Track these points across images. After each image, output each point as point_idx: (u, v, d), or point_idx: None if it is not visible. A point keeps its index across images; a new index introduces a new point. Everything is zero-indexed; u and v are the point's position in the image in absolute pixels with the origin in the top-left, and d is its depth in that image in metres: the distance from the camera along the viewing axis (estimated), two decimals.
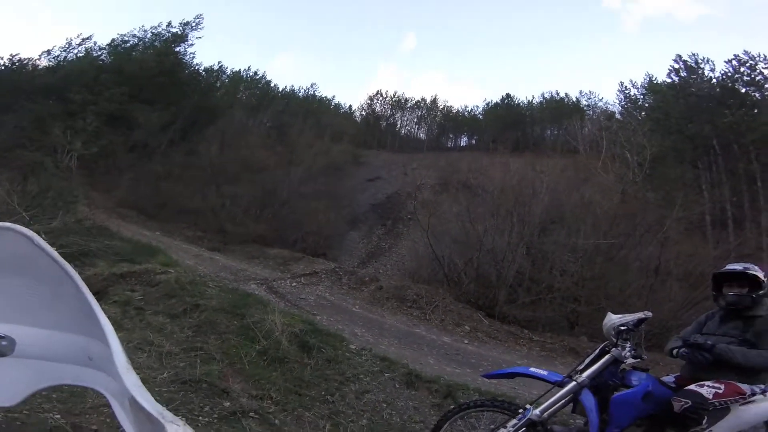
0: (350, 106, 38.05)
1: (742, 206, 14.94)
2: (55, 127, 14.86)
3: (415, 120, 37.91)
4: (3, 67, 20.11)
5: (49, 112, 16.76)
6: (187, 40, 24.05)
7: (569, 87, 71.77)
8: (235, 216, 15.07)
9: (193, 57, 25.36)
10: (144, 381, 3.57)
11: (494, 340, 7.40)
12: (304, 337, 5.34)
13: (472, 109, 37.78)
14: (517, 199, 12.00)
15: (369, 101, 37.58)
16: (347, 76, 66.85)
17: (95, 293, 4.88)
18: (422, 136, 37.43)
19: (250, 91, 31.57)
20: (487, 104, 36.38)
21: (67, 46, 22.07)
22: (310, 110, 31.37)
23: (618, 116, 23.73)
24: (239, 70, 31.42)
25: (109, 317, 4.18)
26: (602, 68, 62.76)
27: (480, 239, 11.13)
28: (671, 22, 60.29)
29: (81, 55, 22.14)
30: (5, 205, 7.05)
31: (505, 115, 33.27)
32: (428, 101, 37.54)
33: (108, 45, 22.90)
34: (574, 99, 31.49)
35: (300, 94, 34.66)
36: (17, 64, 20.57)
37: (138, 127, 18.76)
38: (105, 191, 15.26)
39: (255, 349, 4.70)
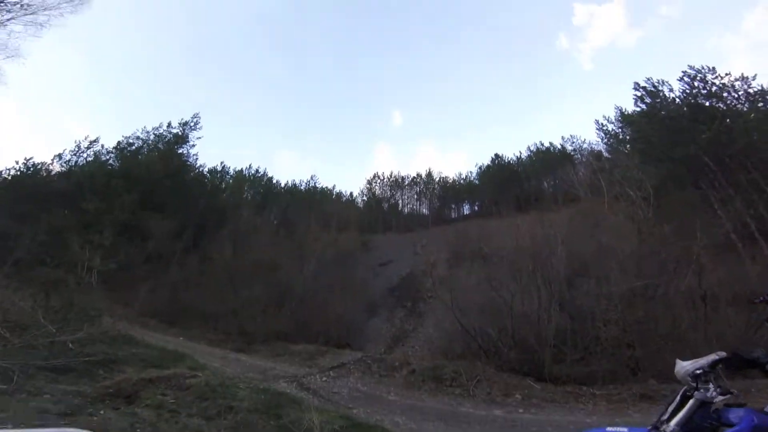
0: (351, 193, 39.39)
1: (762, 216, 14.32)
2: (74, 241, 15.29)
3: (415, 196, 38.90)
4: (18, 173, 21.11)
5: (65, 223, 17.29)
6: (188, 141, 25.24)
7: (552, 135, 75.09)
8: (255, 316, 14.87)
9: (196, 158, 26.50)
10: None
11: (552, 404, 6.67)
12: None
13: (466, 176, 38.84)
14: (535, 259, 11.88)
15: (368, 185, 39.04)
16: (344, 163, 71.32)
17: (126, 397, 4.61)
18: (425, 211, 38.07)
19: (255, 189, 32.59)
20: (480, 168, 37.45)
21: (76, 149, 23.36)
22: (314, 202, 32.33)
23: (606, 154, 23.94)
24: (242, 169, 32.78)
25: (143, 420, 3.89)
26: (576, 109, 66.40)
27: (508, 305, 10.77)
28: (617, 51, 65.24)
29: (90, 159, 23.31)
30: (32, 320, 7.13)
31: (499, 175, 33.92)
32: (424, 176, 38.94)
33: (115, 148, 24.11)
34: (559, 146, 31.97)
35: (302, 188, 35.92)
36: (32, 169, 21.58)
37: (151, 237, 19.18)
38: (125, 302, 15.30)
39: None
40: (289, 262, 20.56)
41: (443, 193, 38.25)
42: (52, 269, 13.73)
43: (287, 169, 76.92)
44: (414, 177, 38.95)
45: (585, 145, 28.99)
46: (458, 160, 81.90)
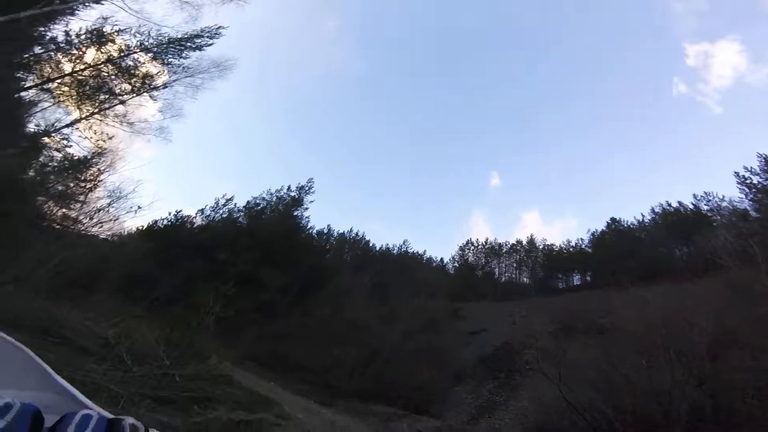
0: (441, 259, 38.12)
1: None
2: (202, 287, 17.39)
3: (514, 265, 36.16)
4: (170, 223, 24.75)
5: (198, 270, 19.87)
6: (302, 204, 27.48)
7: (681, 194, 62.29)
8: (342, 372, 14.91)
9: (308, 220, 28.56)
10: None
11: None
12: None
13: (576, 244, 34.71)
14: (668, 334, 9.98)
15: (460, 252, 37.59)
16: (436, 228, 68.94)
17: None
18: (525, 280, 34.96)
19: (353, 252, 33.92)
20: (593, 234, 33.17)
21: (215, 206, 26.86)
22: (405, 266, 32.17)
23: (753, 213, 19.98)
24: (344, 232, 34.26)
25: None
26: (707, 162, 54.42)
27: (632, 382, 9.04)
28: (747, 87, 53.30)
29: (225, 215, 26.61)
30: (153, 352, 8.01)
31: (617, 242, 29.69)
32: (525, 243, 36.28)
33: (244, 207, 27.27)
34: (691, 206, 27.01)
35: (395, 252, 36.02)
36: (180, 221, 25.22)
37: (264, 289, 20.87)
38: (233, 346, 16.52)
39: None
40: (379, 324, 20.48)
41: (547, 262, 34.92)
42: (180, 309, 15.82)
43: (381, 233, 77.91)
44: (513, 244, 36.76)
45: (724, 203, 23.89)
46: (566, 228, 73.15)
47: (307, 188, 28.10)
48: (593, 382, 10.39)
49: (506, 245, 36.82)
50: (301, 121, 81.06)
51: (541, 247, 35.82)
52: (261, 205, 27.98)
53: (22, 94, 13.05)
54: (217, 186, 73.68)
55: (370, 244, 35.43)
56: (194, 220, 26.32)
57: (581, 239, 35.16)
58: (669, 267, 22.62)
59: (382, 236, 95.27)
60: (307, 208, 28.01)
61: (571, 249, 34.66)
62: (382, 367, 16.20)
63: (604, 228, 32.25)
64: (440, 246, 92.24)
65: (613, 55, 67.99)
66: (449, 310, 25.50)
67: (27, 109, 13.19)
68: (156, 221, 25.04)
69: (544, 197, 66.11)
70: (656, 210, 29.57)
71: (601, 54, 67.96)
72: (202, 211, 26.95)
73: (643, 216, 30.57)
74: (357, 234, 34.77)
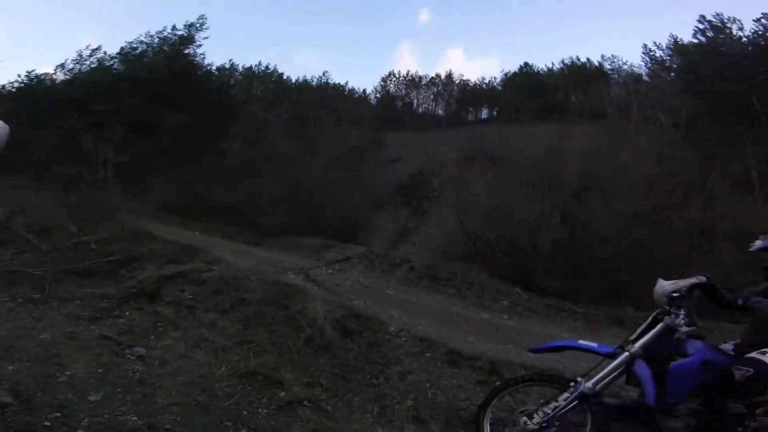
0: (364, 90, 37.58)
1: None
2: (86, 140, 15.49)
3: (432, 97, 36.94)
4: (23, 85, 20.83)
5: (75, 125, 17.40)
6: (194, 42, 24.07)
7: (591, 52, 66.95)
8: (266, 209, 15.46)
9: (204, 58, 25.30)
10: (205, 377, 3.79)
11: (534, 314, 7.34)
12: (345, 323, 5.51)
13: (489, 81, 36.56)
14: (546, 168, 11.65)
15: (382, 83, 36.97)
16: (361, 61, 65.62)
17: (149, 296, 5.18)
18: (440, 112, 36.48)
19: (264, 86, 31.53)
20: (506, 74, 35.11)
21: (78, 58, 22.38)
22: (325, 98, 31.28)
23: (646, 78, 22.99)
24: (251, 66, 31.44)
25: (165, 318, 4.44)
26: (623, 30, 58.01)
27: (510, 211, 10.95)
28: None
29: (94, 66, 22.54)
30: (55, 221, 7.51)
31: (525, 84, 31.94)
32: (443, 77, 36.44)
33: (118, 54, 23.16)
34: (597, 63, 29.89)
35: (313, 83, 34.41)
36: (35, 80, 21.20)
37: (163, 133, 19.23)
38: (141, 197, 15.96)
39: (301, 338, 4.89)
40: (301, 157, 20.62)
41: (462, 96, 36.19)
42: (68, 167, 14.02)
43: (300, 66, 71.03)
44: (432, 77, 36.55)
45: (625, 67, 26.93)
46: (488, 67, 74.23)
47: (198, 25, 23.74)
48: (484, 211, 12.28)
49: (426, 78, 36.61)
50: None
51: (457, 81, 36.43)
52: (140, 49, 23.23)
53: None
54: (79, 37, 55.24)
55: (284, 77, 32.61)
56: (54, 77, 21.23)
57: (494, 77, 37.52)
58: (563, 110, 25.61)
59: (302, 70, 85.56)
60: (200, 45, 24.13)
61: (484, 86, 36.24)
62: (307, 200, 17.30)
63: (516, 70, 34.13)
64: (364, 77, 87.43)
65: None
66: (370, 139, 26.39)
67: None
68: (4, 85, 19.55)
69: (469, 36, 63.57)
70: (565, 61, 31.92)
71: None
72: (62, 66, 21.79)
73: (553, 64, 33.07)
74: (267, 67, 31.59)
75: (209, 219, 15.01)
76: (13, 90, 20.82)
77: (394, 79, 36.74)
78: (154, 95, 20.34)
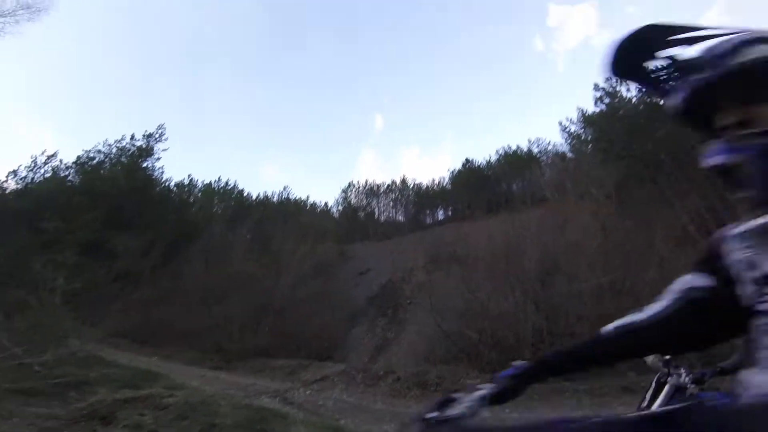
0: (326, 203, 39.39)
1: (715, 208, 14.84)
2: (34, 262, 14.44)
3: (391, 203, 39.06)
4: None
5: (24, 244, 16.23)
6: (153, 154, 23.99)
7: (521, 139, 77.43)
8: (231, 332, 14.50)
9: (162, 172, 25.25)
10: None
11: (538, 401, 6.86)
12: None
13: (440, 182, 39.61)
14: (508, 259, 12.24)
15: (343, 194, 38.78)
16: (321, 173, 70.56)
17: (102, 419, 4.45)
18: (401, 218, 38.26)
19: (225, 203, 31.67)
20: (452, 173, 38.18)
21: (32, 165, 21.76)
22: (288, 213, 31.69)
23: (569, 155, 24.59)
24: (210, 182, 31.68)
25: None
26: (546, 112, 68.92)
27: (485, 307, 11.07)
28: (590, 51, 68.56)
29: (48, 175, 21.80)
30: None
31: (470, 179, 34.61)
32: (399, 183, 39.25)
33: (74, 163, 22.67)
34: (526, 149, 33.29)
35: (274, 200, 35.24)
36: None
37: (117, 256, 18.36)
38: (92, 324, 14.51)
39: None
40: (265, 275, 20.24)
41: (418, 200, 38.66)
42: (14, 290, 12.94)
43: (260, 181, 75.48)
44: (389, 184, 39.35)
45: (550, 147, 30.10)
46: (439, 166, 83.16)
47: (157, 136, 24.24)
48: (458, 310, 12.31)
49: (383, 185, 39.38)
50: (145, 62, 67.14)
51: (411, 185, 39.40)
52: (97, 159, 23.28)
53: None
54: (36, 142, 58.25)
55: (245, 194, 33.61)
56: (5, 185, 20.67)
57: (443, 177, 40.94)
58: (508, 200, 27.92)
59: (263, 186, 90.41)
60: (159, 158, 24.57)
61: (435, 187, 39.35)
62: (275, 320, 16.45)
63: (461, 167, 37.60)
64: (327, 190, 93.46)
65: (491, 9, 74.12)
66: (336, 252, 26.69)
67: None
68: None
69: (421, 139, 73.38)
70: (500, 152, 35.81)
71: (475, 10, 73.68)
72: (14, 173, 21.48)
73: (490, 156, 37.10)
74: (227, 183, 32.59)
75: (169, 345, 13.83)
76: None
77: (354, 189, 38.92)
78: (111, 212, 19.60)
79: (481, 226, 18.73)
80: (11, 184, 21.36)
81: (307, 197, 38.47)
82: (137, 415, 5.12)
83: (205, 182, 31.27)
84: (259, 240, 25.65)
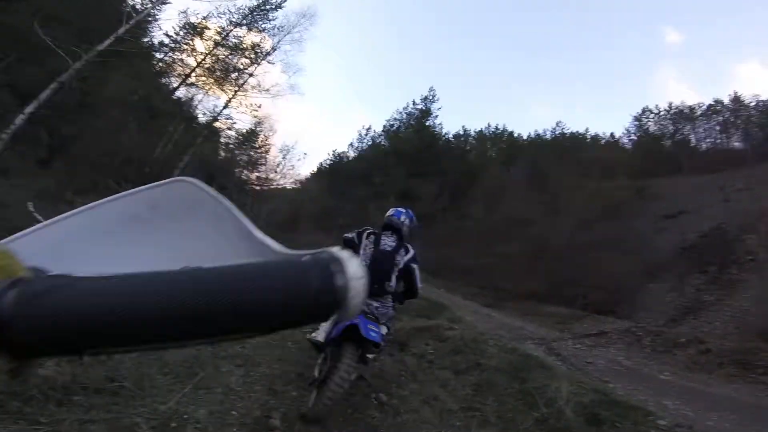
0: (612, 134, 32.76)
1: None
2: (369, 208, 20.42)
3: (717, 128, 28.22)
4: (331, 162, 30.84)
5: (362, 195, 23.20)
6: (431, 113, 28.74)
7: None
8: (508, 273, 15.22)
9: (441, 127, 29.69)
10: None
11: None
12: (594, 409, 4.44)
13: None
14: None
15: (636, 122, 31.36)
16: (600, 105, 59.33)
17: (401, 344, 5.92)
18: (737, 144, 27.05)
19: (497, 147, 32.69)
20: None
21: (360, 137, 30.93)
22: (564, 149, 29.19)
23: None
24: (482, 129, 33.24)
25: (407, 368, 4.88)
26: None
27: None
28: None
29: (369, 143, 30.39)
30: None
31: None
32: (729, 102, 27.63)
33: (383, 131, 30.28)
34: None
35: (547, 137, 32.73)
36: (338, 158, 30.95)
37: (420, 200, 22.97)
38: None
39: (533, 417, 4.25)
40: (543, 217, 19.56)
41: (767, 120, 25.92)
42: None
43: (532, 121, 71.42)
44: (711, 104, 28.38)
45: None
46: None
47: (431, 97, 28.77)
48: None
49: (700, 107, 28.85)
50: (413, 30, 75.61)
51: (753, 104, 26.79)
52: (395, 125, 30.05)
53: (177, 94, 16.17)
54: (356, 117, 79.01)
55: (515, 135, 33.13)
56: (348, 154, 30.48)
57: None
58: None
59: (535, 123, 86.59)
60: (436, 116, 28.93)
61: None
62: (553, 264, 15.86)
63: None
64: (611, 122, 78.90)
65: None
66: (632, 190, 22.21)
67: (188, 105, 16.30)
68: (321, 163, 30.21)
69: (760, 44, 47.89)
70: None
71: None
72: (351, 144, 31.65)
73: None
74: (497, 128, 32.98)
75: (453, 278, 16.04)
76: (327, 167, 30.51)
77: (652, 115, 30.72)
78: (412, 166, 25.05)
79: None
80: (351, 153, 31.13)
81: (586, 130, 32.95)
82: (423, 344, 6.34)
83: (477, 130, 33.27)
84: (536, 180, 24.80)
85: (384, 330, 3.35)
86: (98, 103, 11.30)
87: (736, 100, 27.65)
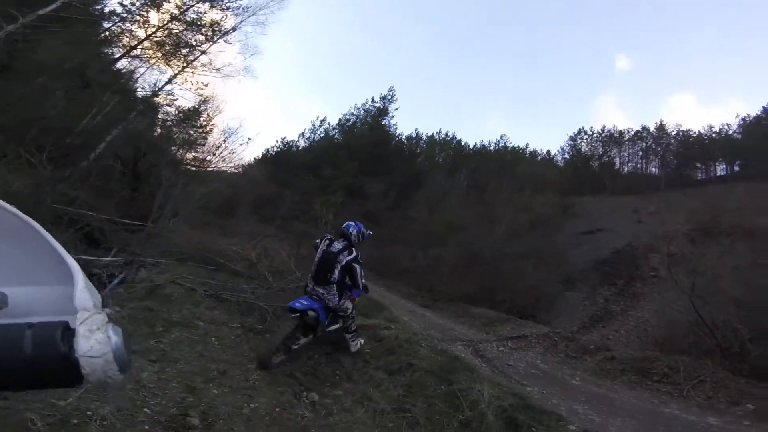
0: (548, 152, 35.28)
1: None
2: (315, 201, 19.94)
3: (640, 153, 31.48)
4: (279, 149, 29.82)
5: (309, 187, 22.60)
6: (388, 113, 29.00)
7: None
8: (443, 275, 15.73)
9: (395, 128, 30.17)
10: None
11: None
12: (513, 413, 4.69)
13: (721, 129, 29.20)
14: None
15: (571, 142, 33.81)
16: (544, 122, 63.88)
17: (337, 343, 5.74)
18: (654, 170, 30.59)
19: (445, 153, 33.51)
20: (744, 120, 27.70)
21: (313, 127, 30.57)
22: (504, 162, 30.86)
23: None
24: (433, 134, 34.11)
25: (343, 367, 4.76)
26: None
27: None
28: None
29: (322, 135, 29.99)
30: (286, 266, 8.99)
31: None
32: (653, 129, 30.96)
33: (337, 124, 30.15)
34: None
35: (491, 148, 34.25)
36: (286, 146, 30.02)
37: (368, 198, 22.95)
38: None
39: (457, 419, 4.40)
40: (479, 225, 20.53)
41: (683, 150, 29.74)
42: (302, 223, 18.19)
43: (482, 132, 74.73)
44: (638, 131, 31.43)
45: None
46: (716, 114, 61.17)
47: (390, 97, 29.06)
48: (734, 297, 9.38)
49: (628, 132, 31.86)
50: (379, 30, 75.31)
51: (674, 133, 30.29)
52: (351, 120, 29.87)
53: (118, 65, 14.63)
54: (310, 108, 77.33)
55: (462, 143, 34.33)
56: (298, 143, 29.62)
57: (726, 125, 30.20)
58: None
59: (483, 134, 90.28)
60: (392, 116, 29.24)
61: (714, 135, 29.10)
62: (484, 270, 16.69)
63: (761, 113, 26.88)
64: (550, 139, 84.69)
65: None
66: (559, 206, 24.16)
67: (127, 76, 14.76)
68: (267, 149, 28.88)
69: (697, 79, 54.71)
70: None
71: None
72: (302, 134, 31.00)
73: None
74: (447, 135, 34.06)
75: (394, 278, 16.23)
76: (273, 154, 29.27)
77: (586, 136, 33.29)
78: (363, 162, 25.03)
79: None
80: (301, 143, 30.31)
81: (526, 145, 35.32)
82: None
83: (428, 135, 34.10)
84: (475, 189, 26.04)
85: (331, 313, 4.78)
86: (25, 68, 9.79)
87: (661, 128, 31.03)
